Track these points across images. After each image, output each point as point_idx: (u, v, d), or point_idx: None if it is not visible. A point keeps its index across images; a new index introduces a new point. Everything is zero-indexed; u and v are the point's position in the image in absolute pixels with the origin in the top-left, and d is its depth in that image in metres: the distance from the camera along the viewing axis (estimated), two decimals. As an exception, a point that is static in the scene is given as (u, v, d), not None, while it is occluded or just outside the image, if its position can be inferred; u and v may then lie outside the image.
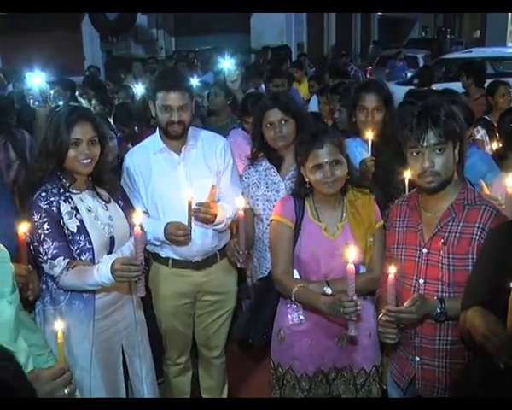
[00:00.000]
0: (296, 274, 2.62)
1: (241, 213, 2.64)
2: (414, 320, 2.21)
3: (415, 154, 2.22)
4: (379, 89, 3.27)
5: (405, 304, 2.15)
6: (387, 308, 2.15)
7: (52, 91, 5.72)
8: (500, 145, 3.62)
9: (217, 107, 5.00)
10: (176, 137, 2.95)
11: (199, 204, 2.81)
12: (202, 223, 2.89)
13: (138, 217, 2.36)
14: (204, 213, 2.82)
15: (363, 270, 2.60)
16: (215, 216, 2.87)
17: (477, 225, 2.21)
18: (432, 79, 7.23)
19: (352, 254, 2.16)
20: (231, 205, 2.97)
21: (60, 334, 1.71)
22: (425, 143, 2.17)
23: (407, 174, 2.48)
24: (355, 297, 2.19)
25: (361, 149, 3.18)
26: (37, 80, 3.60)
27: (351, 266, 2.13)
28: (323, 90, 5.89)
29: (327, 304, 2.34)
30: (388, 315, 2.15)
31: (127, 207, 2.76)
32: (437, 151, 2.19)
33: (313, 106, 6.22)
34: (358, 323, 2.31)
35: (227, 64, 5.76)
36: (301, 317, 2.61)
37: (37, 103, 3.63)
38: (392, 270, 2.11)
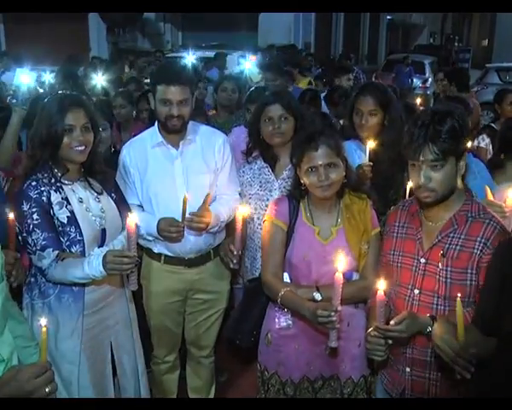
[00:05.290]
0: (287, 278, 2.56)
1: (242, 214, 2.57)
2: (403, 338, 2.13)
3: (412, 166, 2.13)
4: (376, 92, 3.19)
5: (393, 321, 2.06)
6: (377, 326, 2.06)
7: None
8: (494, 154, 3.53)
9: (232, 103, 4.92)
10: (174, 132, 2.89)
11: (192, 213, 2.75)
12: (194, 231, 2.85)
13: (133, 213, 2.32)
14: (197, 222, 2.76)
15: (356, 277, 2.54)
16: (207, 225, 2.81)
17: (479, 239, 2.11)
18: None
19: (341, 262, 2.07)
20: (227, 205, 2.93)
21: (44, 330, 1.65)
22: (422, 158, 2.06)
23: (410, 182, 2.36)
24: (339, 308, 2.11)
25: (360, 153, 3.13)
26: (25, 79, 3.34)
27: (339, 275, 2.05)
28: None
29: (310, 311, 2.26)
30: (378, 331, 2.07)
31: (120, 200, 2.71)
32: (434, 167, 2.07)
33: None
34: (342, 333, 2.23)
35: (248, 65, 5.71)
36: (289, 322, 2.56)
37: (14, 101, 3.38)
38: (381, 286, 2.00)
